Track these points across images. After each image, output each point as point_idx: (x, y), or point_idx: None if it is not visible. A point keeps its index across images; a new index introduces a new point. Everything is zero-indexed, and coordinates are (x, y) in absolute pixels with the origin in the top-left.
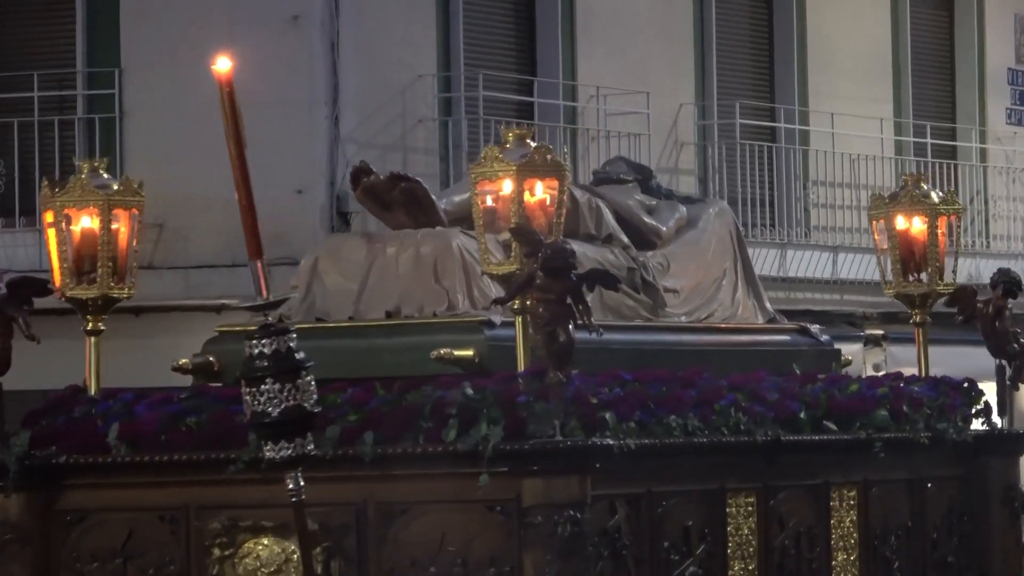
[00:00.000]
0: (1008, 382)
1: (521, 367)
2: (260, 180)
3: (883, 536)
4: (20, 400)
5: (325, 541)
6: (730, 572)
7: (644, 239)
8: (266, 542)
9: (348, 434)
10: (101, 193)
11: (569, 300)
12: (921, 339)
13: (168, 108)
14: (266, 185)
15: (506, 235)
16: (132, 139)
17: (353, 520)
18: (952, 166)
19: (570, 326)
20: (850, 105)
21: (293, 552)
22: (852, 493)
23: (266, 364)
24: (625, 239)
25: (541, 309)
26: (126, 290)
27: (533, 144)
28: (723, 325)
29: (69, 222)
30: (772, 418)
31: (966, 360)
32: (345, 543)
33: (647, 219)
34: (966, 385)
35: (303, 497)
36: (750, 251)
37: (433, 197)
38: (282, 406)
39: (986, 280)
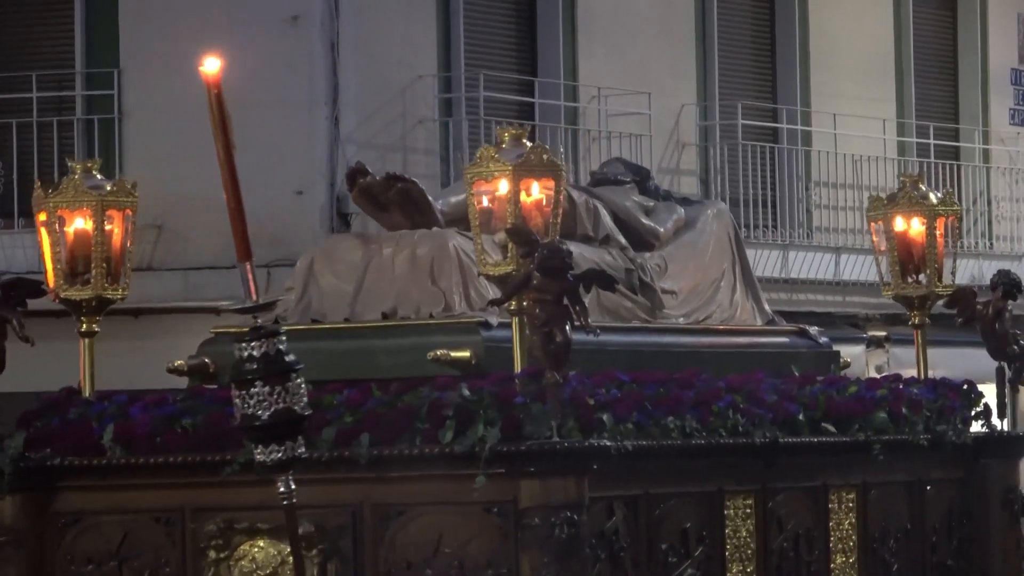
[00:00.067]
0: (1008, 384)
1: (518, 368)
2: (260, 181)
3: (882, 539)
4: (14, 402)
5: (321, 543)
6: (728, 574)
7: (642, 240)
8: (262, 544)
9: (344, 435)
10: (94, 194)
11: (566, 301)
12: (920, 341)
13: (167, 109)
14: (266, 186)
15: (502, 235)
16: (131, 140)
17: (349, 522)
18: (955, 167)
19: (567, 327)
20: (853, 105)
21: (289, 554)
22: (851, 495)
23: (255, 367)
24: (623, 240)
25: (538, 310)
26: (120, 291)
27: (529, 144)
28: (721, 327)
29: (63, 223)
30: (770, 420)
31: (967, 362)
32: (341, 545)
33: (645, 220)
34: (965, 387)
35: (294, 500)
36: (752, 252)
37: (429, 198)
38: (272, 409)
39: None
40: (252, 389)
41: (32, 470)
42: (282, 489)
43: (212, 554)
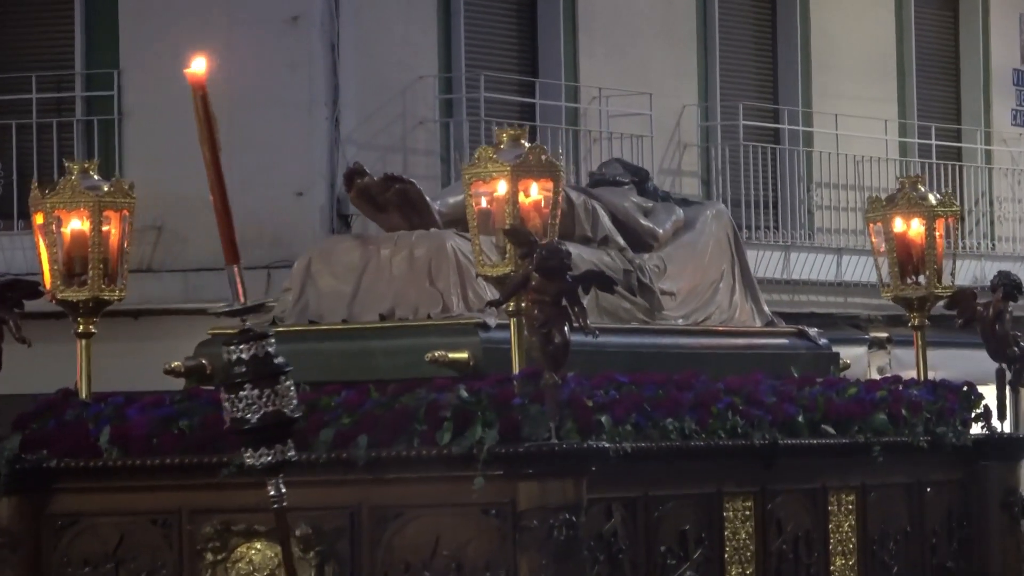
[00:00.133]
0: (1008, 385)
1: (516, 369)
2: (259, 181)
3: (882, 541)
4: (11, 404)
5: (319, 545)
6: None
7: (641, 241)
8: (259, 546)
9: (341, 437)
10: (91, 194)
11: (564, 302)
12: (920, 342)
13: (167, 109)
14: (266, 187)
15: (500, 236)
16: (131, 141)
17: (347, 524)
18: (957, 168)
19: (565, 328)
20: (854, 106)
21: None
22: (850, 497)
23: (244, 370)
24: (621, 241)
25: (536, 311)
26: (117, 292)
27: (527, 144)
28: (720, 328)
29: (59, 224)
30: (769, 421)
31: (967, 363)
32: (339, 547)
33: (644, 221)
34: (965, 389)
35: (285, 503)
36: (754, 254)
37: (427, 198)
38: (261, 412)
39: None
40: (241, 392)
41: (28, 472)
42: (272, 492)
43: (209, 556)
